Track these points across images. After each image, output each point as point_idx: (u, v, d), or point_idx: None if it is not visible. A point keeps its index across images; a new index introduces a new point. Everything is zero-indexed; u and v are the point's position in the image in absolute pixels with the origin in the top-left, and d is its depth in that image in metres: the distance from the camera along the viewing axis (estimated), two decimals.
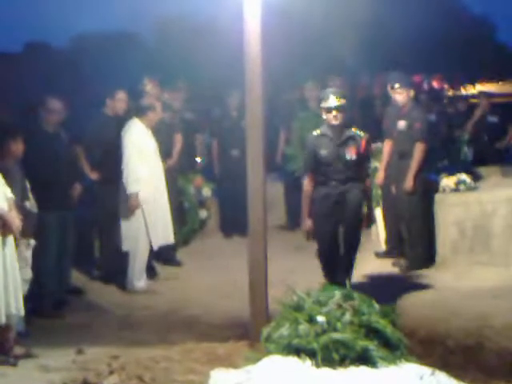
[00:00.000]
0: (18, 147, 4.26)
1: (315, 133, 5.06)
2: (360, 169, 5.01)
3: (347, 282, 4.78)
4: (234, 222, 7.49)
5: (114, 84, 6.36)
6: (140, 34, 17.40)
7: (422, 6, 12.75)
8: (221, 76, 9.63)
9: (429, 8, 13.01)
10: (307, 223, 5.05)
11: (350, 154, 4.93)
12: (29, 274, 4.26)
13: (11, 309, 3.90)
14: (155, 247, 5.82)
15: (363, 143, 5.00)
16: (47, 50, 17.23)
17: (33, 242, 4.36)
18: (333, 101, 4.87)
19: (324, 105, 4.92)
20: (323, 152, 4.95)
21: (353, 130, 5.04)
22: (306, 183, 5.07)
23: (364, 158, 5.02)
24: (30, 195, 4.40)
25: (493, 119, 8.76)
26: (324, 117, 4.98)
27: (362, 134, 5.06)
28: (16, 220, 3.93)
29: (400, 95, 6.06)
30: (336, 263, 5.00)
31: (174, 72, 8.32)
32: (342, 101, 4.88)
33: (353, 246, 5.02)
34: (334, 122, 4.91)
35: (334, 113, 4.87)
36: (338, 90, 4.98)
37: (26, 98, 6.62)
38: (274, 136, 7.70)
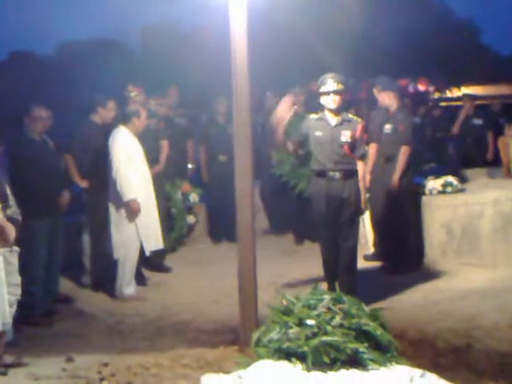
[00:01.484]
0: None
1: (312, 117, 5.11)
2: (353, 156, 5.02)
3: (352, 282, 4.91)
4: (222, 228, 7.49)
5: (100, 91, 6.36)
6: (125, 41, 17.45)
7: (406, 11, 12.87)
8: (207, 82, 9.65)
9: (413, 13, 13.13)
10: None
11: (346, 137, 4.97)
12: (18, 278, 4.23)
13: (7, 314, 3.91)
14: (147, 253, 5.81)
15: (359, 128, 5.04)
16: (32, 58, 17.22)
17: (16, 248, 4.32)
18: (331, 85, 4.92)
19: (322, 89, 4.95)
20: (318, 133, 4.99)
21: (349, 115, 5.10)
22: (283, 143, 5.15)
23: (358, 142, 5.03)
24: (12, 202, 4.37)
25: (477, 121, 8.84)
26: (322, 102, 5.01)
27: (358, 119, 5.13)
28: (11, 229, 3.92)
29: (383, 97, 6.12)
30: (337, 261, 5.04)
31: (160, 78, 8.34)
32: (341, 85, 4.93)
33: (351, 242, 5.06)
34: (332, 106, 4.95)
35: (332, 96, 4.92)
36: (337, 74, 4.99)
37: (12, 106, 6.59)
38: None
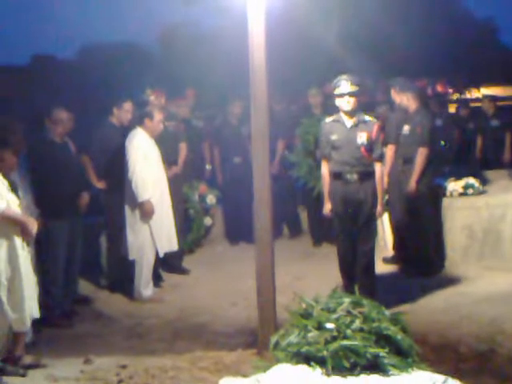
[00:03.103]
0: (10, 157, 4.18)
1: (328, 119, 5.08)
2: (371, 157, 4.98)
3: (371, 285, 4.87)
4: (239, 229, 7.47)
5: (121, 94, 6.39)
6: (144, 44, 17.55)
7: (424, 11, 12.75)
8: (225, 84, 9.65)
9: (431, 12, 13.00)
10: (327, 206, 5.06)
11: (362, 139, 4.94)
12: (35, 277, 4.25)
13: (34, 313, 3.96)
14: (161, 254, 5.81)
15: (375, 128, 5.00)
16: (54, 61, 17.41)
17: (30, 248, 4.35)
18: (345, 87, 4.89)
19: (337, 91, 4.93)
20: (334, 137, 4.97)
21: (365, 116, 5.06)
22: (323, 168, 5.12)
23: (375, 143, 5.00)
24: (24, 204, 4.39)
25: (495, 123, 8.76)
26: (337, 104, 4.98)
27: (373, 119, 5.09)
28: (34, 224, 3.98)
29: (401, 98, 6.08)
30: (354, 264, 5.00)
31: (180, 80, 8.36)
32: (355, 87, 4.89)
33: (369, 244, 5.02)
34: (347, 108, 4.93)
35: (347, 98, 4.89)
36: (351, 76, 4.95)
37: (34, 109, 6.64)
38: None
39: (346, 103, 4.91)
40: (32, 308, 3.96)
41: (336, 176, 5.01)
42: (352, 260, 5.01)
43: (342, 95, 4.90)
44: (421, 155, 5.88)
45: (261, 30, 3.98)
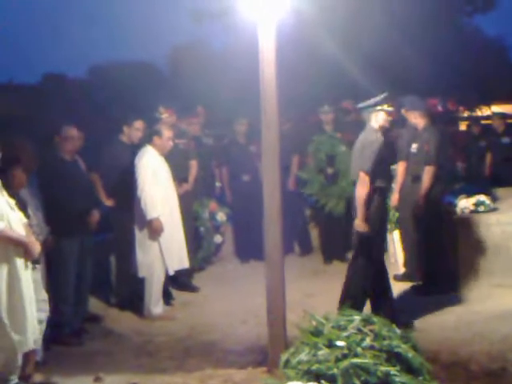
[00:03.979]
0: (20, 175, 4.17)
1: (375, 137, 4.98)
2: None
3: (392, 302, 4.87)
4: (249, 247, 7.47)
5: (131, 112, 6.45)
6: (155, 62, 17.73)
7: (434, 29, 12.80)
8: (236, 101, 9.72)
9: (441, 30, 13.05)
10: (364, 225, 4.88)
11: None
12: (45, 294, 4.23)
13: (37, 331, 3.93)
14: (171, 272, 5.81)
15: None
16: (65, 80, 17.62)
17: (38, 265, 4.31)
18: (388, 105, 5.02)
19: (387, 108, 4.99)
20: (386, 152, 5.01)
21: None
22: (368, 183, 4.85)
23: None
24: (35, 222, 4.40)
25: (505, 140, 8.75)
26: (380, 121, 4.96)
27: None
28: (36, 245, 3.94)
29: (408, 117, 6.10)
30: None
31: (190, 98, 8.43)
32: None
33: None
34: (388, 125, 5.05)
35: (390, 117, 5.03)
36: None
37: (45, 128, 6.71)
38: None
39: (389, 122, 5.01)
40: (36, 329, 3.88)
41: (383, 191, 4.99)
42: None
43: (389, 113, 4.98)
44: (428, 173, 5.88)
45: (271, 45, 4.01)
